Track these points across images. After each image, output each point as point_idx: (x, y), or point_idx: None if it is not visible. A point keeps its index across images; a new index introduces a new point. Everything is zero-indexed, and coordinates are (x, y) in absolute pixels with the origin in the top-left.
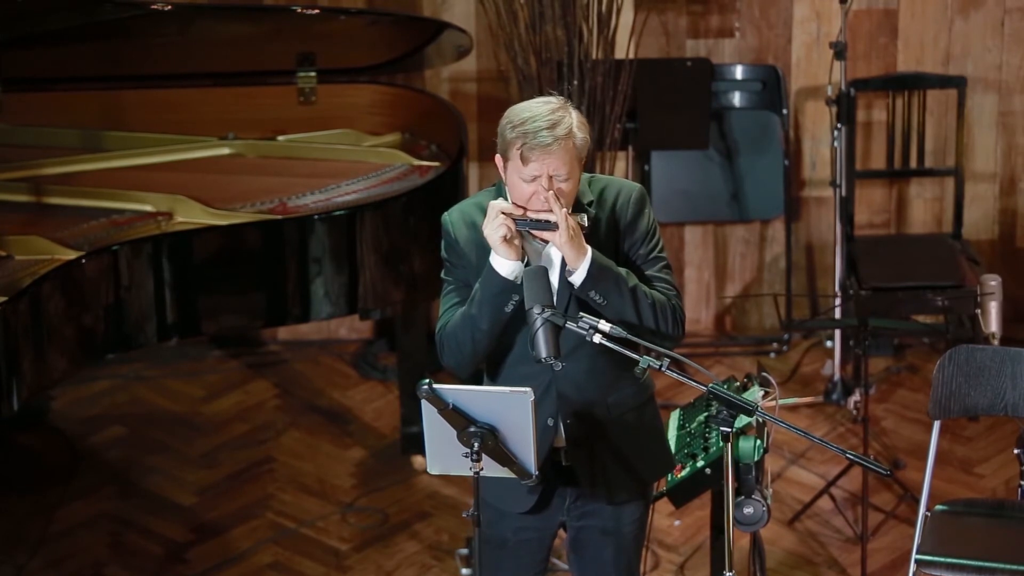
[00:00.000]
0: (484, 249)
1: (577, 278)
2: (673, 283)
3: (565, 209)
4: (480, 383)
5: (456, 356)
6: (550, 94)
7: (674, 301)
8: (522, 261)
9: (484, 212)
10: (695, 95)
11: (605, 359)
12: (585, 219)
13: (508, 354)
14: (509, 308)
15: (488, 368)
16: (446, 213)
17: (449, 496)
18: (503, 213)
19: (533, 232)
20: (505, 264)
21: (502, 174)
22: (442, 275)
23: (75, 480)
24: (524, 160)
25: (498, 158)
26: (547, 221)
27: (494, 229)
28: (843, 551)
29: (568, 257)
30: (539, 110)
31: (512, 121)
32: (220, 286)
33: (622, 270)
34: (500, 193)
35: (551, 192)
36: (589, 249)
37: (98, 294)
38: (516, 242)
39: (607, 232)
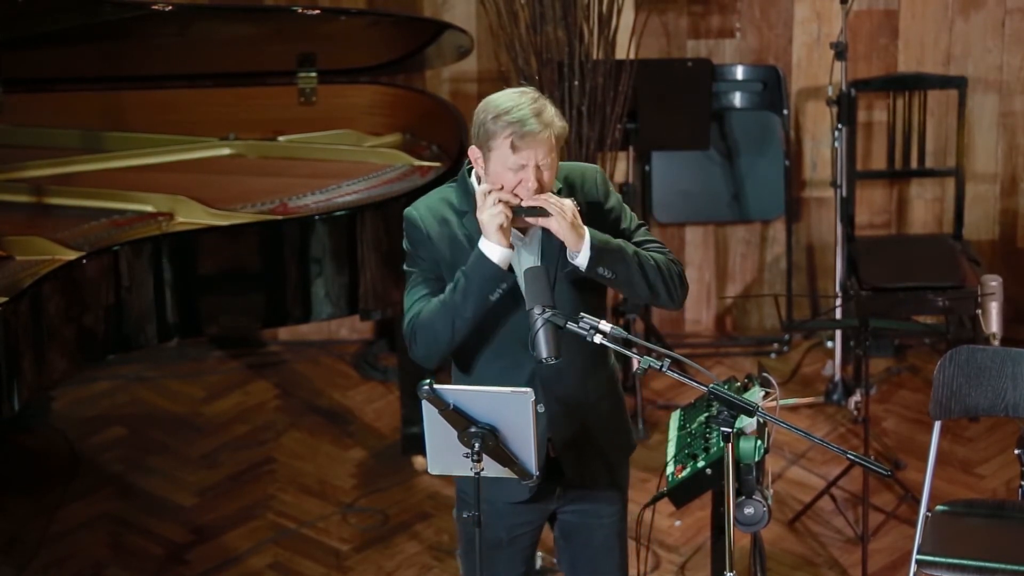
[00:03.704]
0: (457, 243)
1: (582, 260)
2: (661, 242)
3: (568, 200)
4: (449, 378)
5: (430, 346)
6: (521, 84)
7: (671, 257)
8: (511, 247)
9: (452, 208)
10: (696, 96)
11: (580, 346)
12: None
13: (483, 349)
14: (495, 296)
15: (460, 363)
16: (411, 208)
17: (450, 497)
18: (500, 201)
19: (528, 219)
20: (496, 250)
21: (479, 165)
22: (405, 267)
23: (75, 480)
24: (514, 148)
25: (474, 150)
26: (542, 208)
27: (492, 216)
28: (844, 551)
29: (569, 242)
30: (520, 100)
31: (494, 111)
32: (221, 287)
33: (619, 240)
34: (463, 188)
35: (546, 195)
36: (586, 229)
37: (99, 295)
38: (508, 229)
39: (584, 215)
